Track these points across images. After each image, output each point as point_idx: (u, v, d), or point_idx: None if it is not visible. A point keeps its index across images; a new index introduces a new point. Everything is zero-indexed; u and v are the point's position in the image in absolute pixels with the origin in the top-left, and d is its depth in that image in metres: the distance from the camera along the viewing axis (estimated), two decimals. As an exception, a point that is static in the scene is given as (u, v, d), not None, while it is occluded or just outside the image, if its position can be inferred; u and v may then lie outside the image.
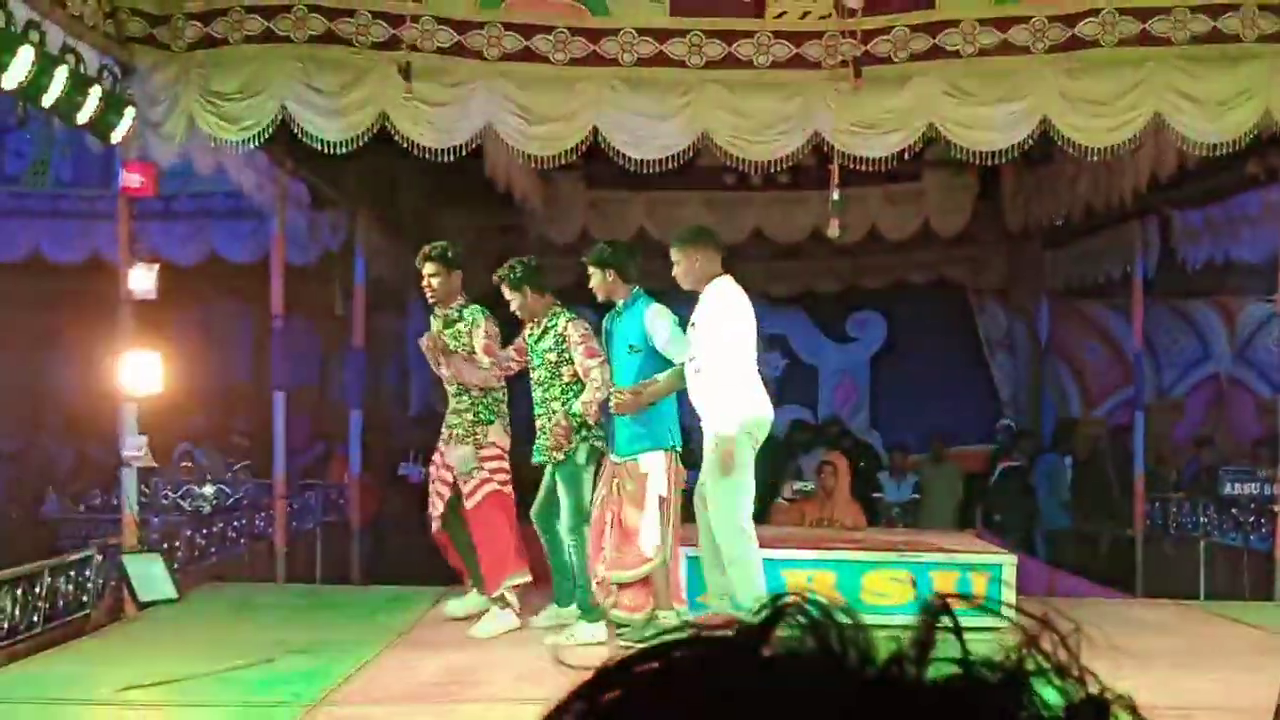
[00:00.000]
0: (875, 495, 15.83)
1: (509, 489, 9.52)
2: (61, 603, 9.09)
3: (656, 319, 8.82)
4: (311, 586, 12.57)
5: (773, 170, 11.24)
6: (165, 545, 10.88)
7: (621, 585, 8.82)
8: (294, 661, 8.41)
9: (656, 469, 8.74)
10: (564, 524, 9.26)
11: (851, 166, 10.26)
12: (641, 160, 10.28)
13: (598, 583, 8.92)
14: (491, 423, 9.47)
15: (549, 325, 9.27)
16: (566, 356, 9.16)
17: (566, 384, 9.20)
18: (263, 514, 13.16)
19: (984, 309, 18.31)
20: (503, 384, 9.63)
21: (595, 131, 10.02)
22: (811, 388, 18.85)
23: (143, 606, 9.99)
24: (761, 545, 10.14)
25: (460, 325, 9.45)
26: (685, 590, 9.34)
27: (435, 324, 9.59)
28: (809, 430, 17.42)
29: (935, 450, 16.40)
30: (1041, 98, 9.80)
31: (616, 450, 8.92)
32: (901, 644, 0.80)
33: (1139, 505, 13.93)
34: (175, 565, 10.68)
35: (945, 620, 0.82)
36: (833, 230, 10.74)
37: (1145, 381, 15.33)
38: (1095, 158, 10.44)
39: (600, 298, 9.16)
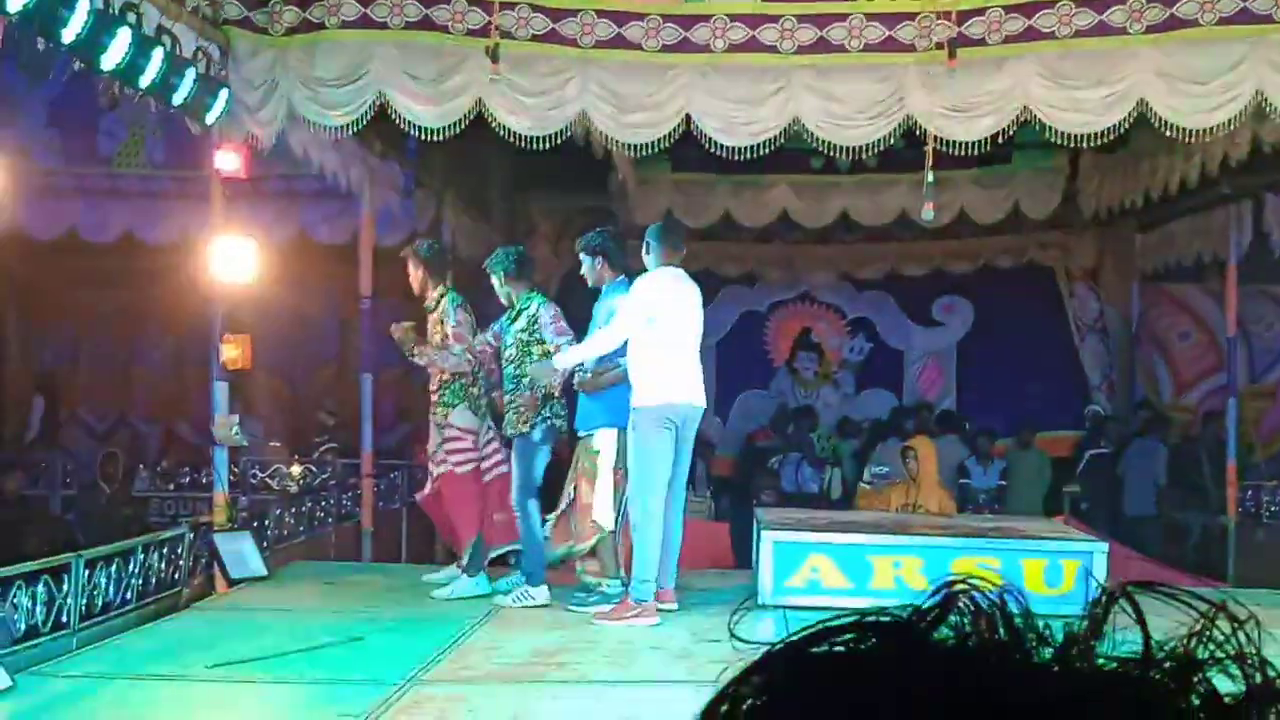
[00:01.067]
0: (962, 481, 15.73)
1: (466, 469, 10.07)
2: (154, 580, 9.20)
3: (621, 302, 9.31)
4: (398, 565, 12.65)
5: (860, 155, 11.15)
6: (255, 524, 11.00)
7: (586, 554, 9.58)
8: (382, 640, 8.48)
9: (609, 445, 9.31)
10: (512, 495, 9.71)
11: (942, 150, 10.16)
12: (730, 145, 10.25)
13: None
14: (455, 406, 10.01)
15: (523, 308, 9.73)
16: (537, 337, 9.61)
17: (536, 362, 9.61)
18: (350, 494, 13.27)
19: (1074, 293, 18.09)
20: (474, 369, 10.05)
21: (688, 119, 10.00)
22: (897, 372, 18.72)
23: (233, 584, 10.10)
24: (849, 530, 10.18)
25: (436, 314, 10.03)
26: (773, 575, 9.49)
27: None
28: (907, 414, 17.23)
29: (1022, 436, 16.25)
30: (1139, 79, 9.62)
31: (577, 425, 9.63)
32: (1073, 630, 0.79)
33: (1232, 492, 13.72)
34: (265, 544, 10.79)
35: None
36: (926, 212, 10.65)
37: (1238, 367, 15.08)
38: (1193, 139, 10.31)
39: (590, 283, 9.67)
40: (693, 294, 9.27)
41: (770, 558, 9.65)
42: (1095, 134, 9.92)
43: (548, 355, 9.53)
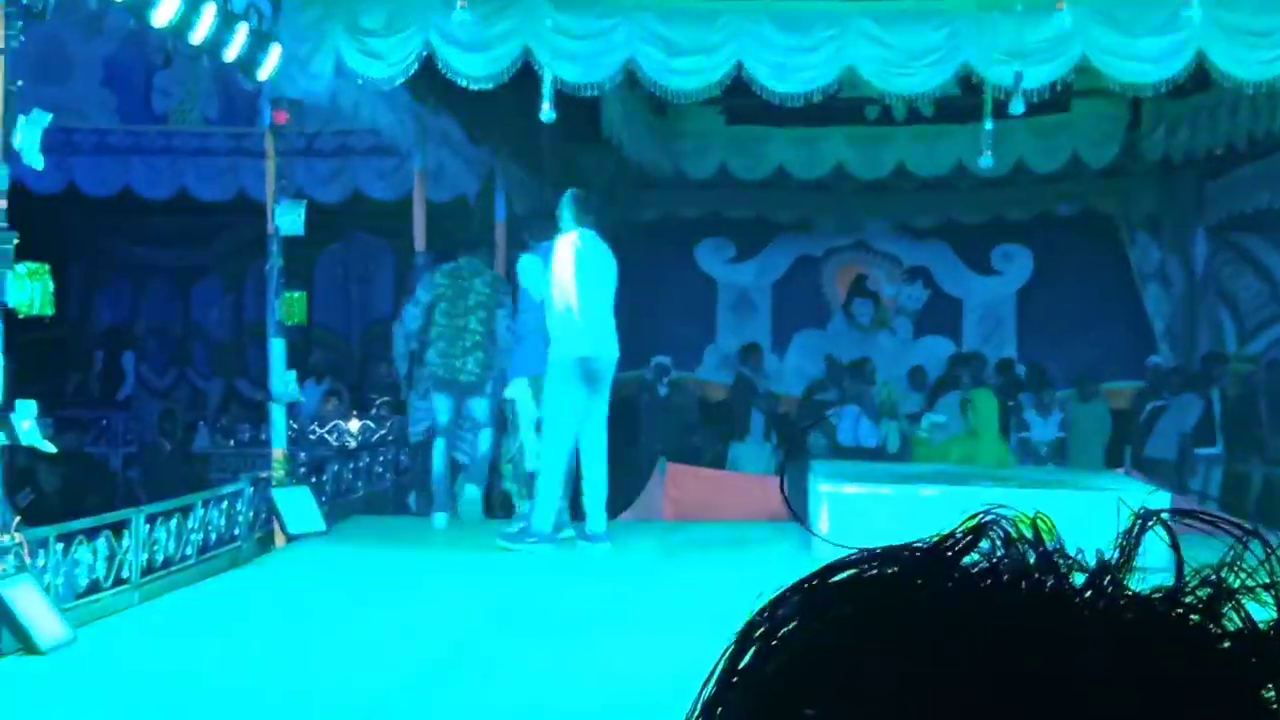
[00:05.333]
0: (1022, 435, 15.58)
1: None
2: (214, 535, 9.26)
3: (526, 267, 10.26)
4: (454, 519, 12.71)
5: (916, 105, 11.07)
6: (313, 479, 11.06)
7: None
8: (441, 592, 8.54)
9: (523, 394, 10.13)
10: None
11: (999, 97, 10.05)
12: (784, 94, 10.16)
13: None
14: None
15: None
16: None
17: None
18: (407, 448, 13.31)
19: (1135, 241, 17.88)
20: None
21: (739, 66, 9.92)
22: (955, 320, 18.61)
23: (292, 539, 10.17)
24: (908, 482, 10.12)
25: None
26: (829, 527, 9.46)
27: None
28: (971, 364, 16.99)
29: (1085, 388, 16.07)
30: (1197, 29, 9.49)
31: None
32: (1104, 560, 0.77)
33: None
34: (323, 498, 10.86)
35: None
36: (985, 159, 10.58)
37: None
38: (1251, 90, 10.16)
39: None
40: (606, 253, 9.75)
41: (826, 509, 9.61)
42: (1153, 85, 9.82)
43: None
